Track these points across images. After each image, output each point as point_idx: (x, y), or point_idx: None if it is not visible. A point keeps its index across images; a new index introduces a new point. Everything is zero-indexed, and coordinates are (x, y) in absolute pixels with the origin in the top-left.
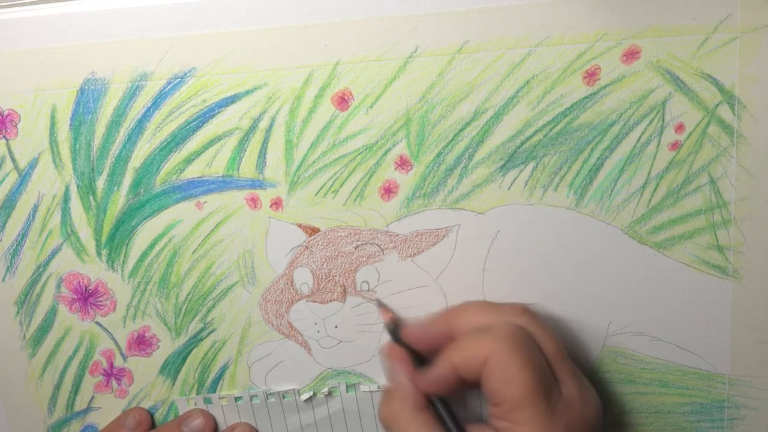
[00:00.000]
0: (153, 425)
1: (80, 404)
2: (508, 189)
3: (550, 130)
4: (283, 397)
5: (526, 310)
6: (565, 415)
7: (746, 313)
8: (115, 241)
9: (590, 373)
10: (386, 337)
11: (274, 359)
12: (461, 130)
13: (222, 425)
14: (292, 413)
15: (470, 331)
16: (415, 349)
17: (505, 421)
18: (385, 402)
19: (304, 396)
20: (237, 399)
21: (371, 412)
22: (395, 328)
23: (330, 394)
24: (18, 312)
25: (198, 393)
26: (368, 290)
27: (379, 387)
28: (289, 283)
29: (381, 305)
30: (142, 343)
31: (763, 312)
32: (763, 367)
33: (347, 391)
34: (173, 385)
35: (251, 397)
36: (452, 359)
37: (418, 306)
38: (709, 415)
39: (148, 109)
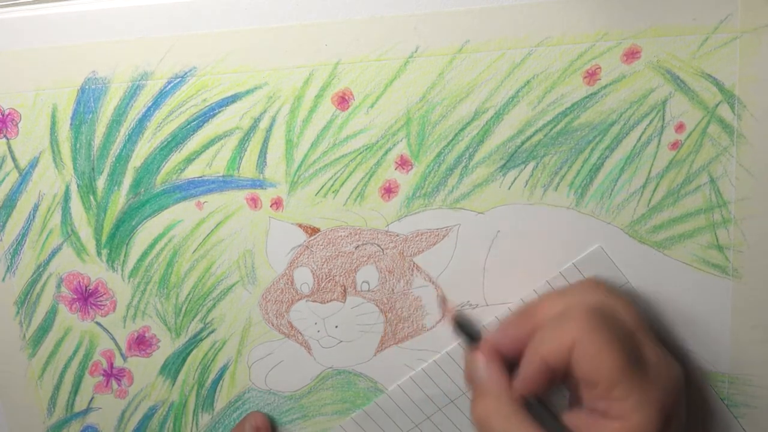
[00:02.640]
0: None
1: (80, 405)
2: (509, 189)
3: (551, 129)
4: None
5: (598, 284)
6: (658, 380)
7: (746, 312)
8: (115, 241)
9: None
10: (386, 337)
11: (275, 359)
12: (462, 129)
13: None
14: None
15: (548, 322)
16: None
17: (603, 401)
18: (479, 402)
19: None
20: None
21: None
22: (463, 323)
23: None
24: (18, 312)
25: (198, 393)
26: (368, 290)
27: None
28: (290, 283)
29: (444, 300)
30: (142, 343)
31: (763, 311)
32: (763, 366)
33: None
34: (173, 385)
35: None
36: (541, 353)
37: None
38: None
39: (149, 109)
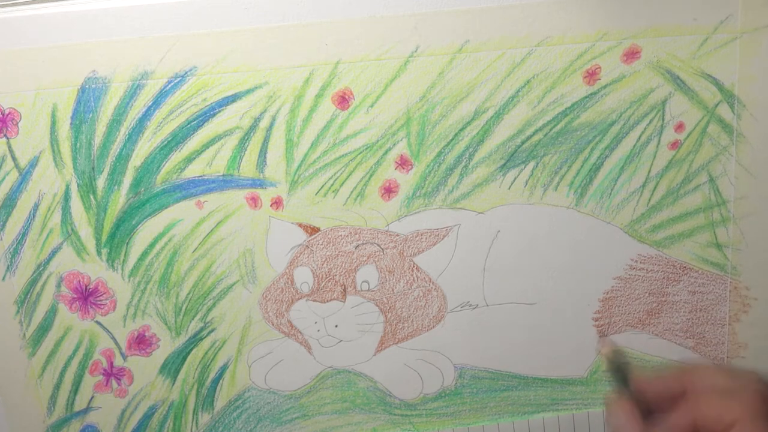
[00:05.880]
0: None
1: (80, 404)
2: (509, 188)
3: (551, 129)
4: None
5: (761, 379)
6: None
7: (744, 309)
8: (115, 240)
9: (590, 373)
10: (386, 337)
11: (274, 358)
12: (462, 129)
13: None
14: None
15: (711, 391)
16: (639, 399)
17: None
18: None
19: None
20: None
21: None
22: (621, 368)
23: None
24: (18, 311)
25: (198, 392)
26: (368, 290)
27: None
28: (290, 282)
29: (603, 336)
30: (142, 342)
31: (761, 308)
32: (762, 365)
33: None
34: (173, 384)
35: None
36: (695, 415)
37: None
38: None
39: (149, 108)
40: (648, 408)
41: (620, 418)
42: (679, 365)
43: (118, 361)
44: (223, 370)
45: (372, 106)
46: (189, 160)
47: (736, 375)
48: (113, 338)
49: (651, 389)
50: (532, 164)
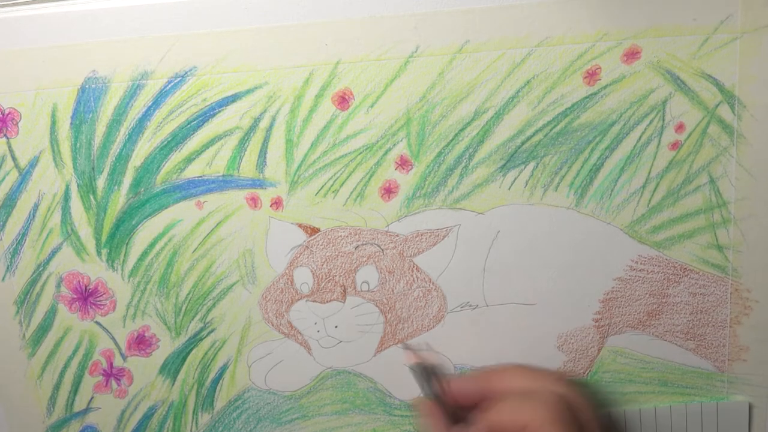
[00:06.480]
0: None
1: (80, 404)
2: (509, 189)
3: (551, 129)
4: None
5: (565, 379)
6: None
7: (745, 311)
8: (115, 241)
9: (590, 373)
10: (385, 337)
11: (274, 359)
12: (462, 129)
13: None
14: None
15: (510, 394)
16: (445, 401)
17: None
18: None
19: None
20: None
21: None
22: (425, 373)
23: None
24: (18, 311)
25: (198, 393)
26: (368, 290)
27: None
28: (289, 283)
29: (408, 348)
30: (141, 342)
31: (762, 311)
32: (762, 366)
33: None
34: (173, 385)
35: None
36: (491, 420)
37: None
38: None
39: (149, 108)
40: (456, 411)
41: (425, 419)
42: (488, 368)
43: (118, 362)
44: (222, 370)
45: (372, 106)
46: (189, 160)
47: (538, 377)
48: (113, 338)
49: (456, 392)
50: (532, 165)
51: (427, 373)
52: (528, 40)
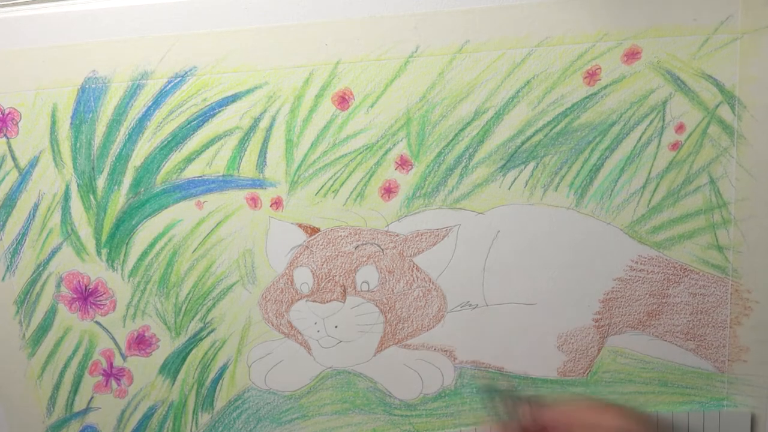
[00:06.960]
0: None
1: (79, 404)
2: (509, 189)
3: (551, 130)
4: None
5: (634, 414)
6: None
7: (745, 312)
8: (115, 241)
9: (590, 373)
10: (385, 337)
11: (274, 359)
12: (462, 129)
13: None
14: None
15: (577, 426)
16: (514, 426)
17: None
18: None
19: None
20: None
21: None
22: (499, 397)
23: None
24: (18, 311)
25: (198, 393)
26: (368, 290)
27: None
28: (289, 283)
29: (482, 373)
30: (141, 342)
31: (762, 311)
32: (762, 367)
33: None
34: (173, 384)
35: None
36: None
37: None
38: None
39: (149, 108)
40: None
41: None
42: (558, 398)
43: (118, 362)
44: (222, 370)
45: (372, 106)
46: (189, 160)
47: (604, 412)
48: (113, 338)
49: (526, 419)
50: (532, 165)
51: (502, 397)
52: (528, 40)
